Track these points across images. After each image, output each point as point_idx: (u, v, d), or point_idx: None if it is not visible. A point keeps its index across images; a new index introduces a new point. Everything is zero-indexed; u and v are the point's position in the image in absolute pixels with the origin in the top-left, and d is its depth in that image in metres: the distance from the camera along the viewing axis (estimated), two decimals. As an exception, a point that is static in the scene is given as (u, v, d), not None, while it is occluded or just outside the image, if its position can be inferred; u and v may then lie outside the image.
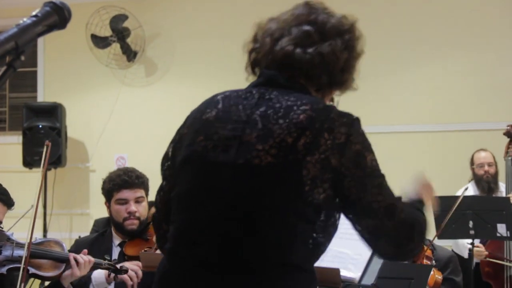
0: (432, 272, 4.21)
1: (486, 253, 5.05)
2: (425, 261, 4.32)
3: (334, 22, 1.85)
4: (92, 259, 3.40)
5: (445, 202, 4.76)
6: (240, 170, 1.72)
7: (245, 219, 1.71)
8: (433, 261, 4.35)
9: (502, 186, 5.44)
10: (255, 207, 1.70)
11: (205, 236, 1.74)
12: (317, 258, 1.79)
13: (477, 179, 5.48)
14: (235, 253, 1.70)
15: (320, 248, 1.77)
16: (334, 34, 1.84)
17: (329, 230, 1.78)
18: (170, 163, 1.89)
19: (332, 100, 1.97)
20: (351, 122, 1.75)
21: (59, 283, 3.47)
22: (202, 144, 1.78)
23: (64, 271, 3.44)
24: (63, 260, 3.45)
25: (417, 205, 1.97)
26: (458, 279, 4.40)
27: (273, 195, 1.69)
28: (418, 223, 1.84)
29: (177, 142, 1.88)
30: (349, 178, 1.71)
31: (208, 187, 1.76)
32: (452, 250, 5.07)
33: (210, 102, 1.86)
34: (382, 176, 1.79)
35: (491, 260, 5.03)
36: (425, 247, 4.37)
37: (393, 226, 1.76)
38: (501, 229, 4.68)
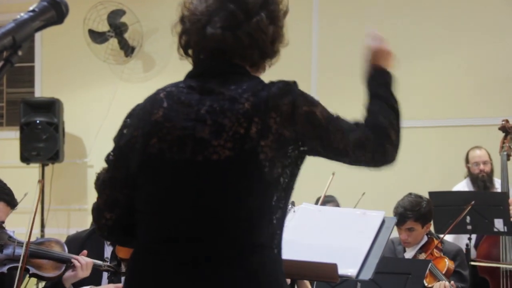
0: (446, 261, 4.27)
1: None
2: (435, 251, 4.34)
3: None
4: (92, 261, 3.40)
5: (442, 198, 4.78)
6: (200, 167, 1.77)
7: (213, 213, 1.76)
8: (442, 253, 4.38)
9: (497, 182, 5.44)
10: (221, 200, 1.76)
11: (177, 233, 1.78)
12: (281, 232, 1.85)
13: (473, 178, 5.48)
14: (209, 245, 1.75)
15: (281, 222, 1.84)
16: (258, 7, 1.86)
17: (287, 202, 1.86)
18: (120, 160, 1.88)
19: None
20: (290, 89, 1.81)
21: (59, 283, 3.46)
22: (157, 146, 1.81)
23: (64, 271, 3.44)
24: (64, 261, 3.45)
25: (381, 81, 2.14)
26: (465, 273, 4.43)
27: (236, 185, 1.75)
28: (390, 127, 1.99)
29: (125, 142, 1.87)
30: (310, 139, 1.81)
31: (171, 187, 1.80)
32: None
33: (154, 101, 1.87)
34: (336, 119, 1.87)
35: (486, 265, 5.04)
36: (435, 240, 4.39)
37: (368, 155, 1.89)
38: (498, 224, 4.69)
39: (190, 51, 1.91)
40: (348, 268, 2.36)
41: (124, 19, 6.91)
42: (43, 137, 6.62)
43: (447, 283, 4.12)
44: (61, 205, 6.93)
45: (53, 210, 6.84)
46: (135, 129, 1.86)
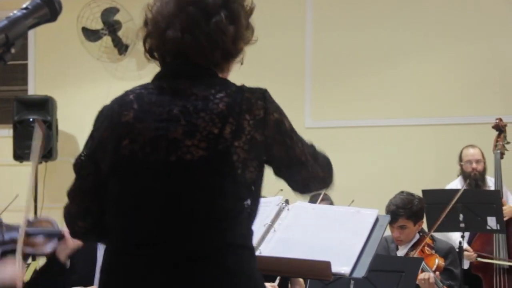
0: (436, 259, 4.30)
1: (475, 254, 5.09)
2: (426, 249, 4.36)
3: None
4: None
5: (436, 196, 4.79)
6: (174, 168, 1.77)
7: (186, 213, 1.76)
8: (433, 251, 4.39)
9: (490, 181, 5.45)
10: (195, 200, 1.76)
11: (150, 235, 1.78)
12: (251, 229, 1.87)
13: (465, 176, 5.50)
14: (183, 246, 1.76)
15: (252, 220, 1.87)
16: (218, 7, 1.86)
17: (258, 201, 1.89)
18: (91, 166, 1.88)
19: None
20: (264, 96, 1.84)
21: (55, 259, 3.46)
22: (129, 147, 1.80)
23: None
24: (56, 235, 3.45)
25: None
26: (456, 271, 4.45)
27: (209, 185, 1.76)
28: (326, 157, 2.03)
29: (96, 145, 1.87)
30: (277, 145, 1.84)
31: (145, 188, 1.79)
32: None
33: (124, 102, 1.86)
34: (296, 131, 1.91)
35: (482, 260, 5.06)
36: (426, 237, 4.42)
37: (320, 169, 1.95)
38: (491, 222, 4.70)
39: (155, 54, 1.92)
40: (341, 266, 2.36)
41: (117, 17, 6.89)
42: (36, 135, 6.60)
43: (432, 274, 4.14)
44: (54, 203, 6.91)
45: (47, 208, 6.83)
46: (104, 130, 1.85)
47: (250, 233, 1.86)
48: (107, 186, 1.84)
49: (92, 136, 1.90)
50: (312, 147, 1.95)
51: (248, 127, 1.78)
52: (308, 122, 6.51)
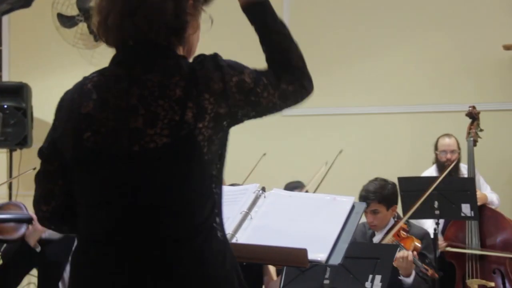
0: (413, 240, 4.35)
1: (445, 244, 5.15)
2: (402, 233, 4.40)
3: None
4: None
5: (411, 183, 4.83)
6: (137, 157, 1.76)
7: (154, 200, 1.76)
8: (407, 234, 4.44)
9: (464, 168, 5.51)
10: (161, 186, 1.76)
11: (120, 225, 1.78)
12: (221, 213, 1.86)
13: (439, 165, 5.55)
14: (152, 234, 1.75)
15: (221, 201, 1.86)
16: None
17: (222, 179, 1.88)
18: (53, 153, 1.88)
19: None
20: (217, 64, 1.81)
21: (24, 244, 3.44)
22: (91, 139, 1.79)
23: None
24: (25, 220, 3.42)
25: (261, 8, 2.02)
26: (430, 256, 4.51)
27: (175, 170, 1.76)
28: (296, 63, 2.00)
29: (59, 136, 1.87)
30: (244, 107, 1.82)
31: (109, 178, 1.79)
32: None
33: (82, 92, 1.86)
34: (257, 73, 1.86)
35: (452, 250, 5.12)
36: (400, 221, 4.46)
37: (291, 99, 1.92)
38: (466, 209, 4.75)
39: (109, 42, 1.92)
40: (318, 253, 2.38)
41: (93, 3, 6.82)
42: (11, 122, 6.55)
43: (410, 252, 4.19)
44: (29, 191, 6.84)
45: (21, 195, 6.77)
46: (66, 122, 1.85)
47: (218, 214, 1.85)
48: (72, 176, 1.85)
49: (54, 127, 1.90)
50: (276, 80, 1.88)
51: (209, 105, 1.76)
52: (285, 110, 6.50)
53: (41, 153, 1.92)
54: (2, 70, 7.26)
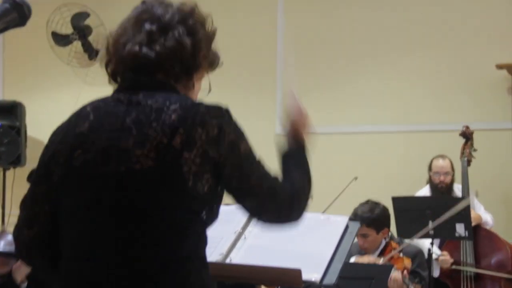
0: (403, 260, 4.35)
1: (452, 260, 5.13)
2: (393, 252, 4.38)
3: (172, 12, 1.89)
4: None
5: (405, 202, 4.83)
6: (123, 178, 1.75)
7: (134, 225, 1.74)
8: (401, 254, 4.43)
9: (457, 188, 5.50)
10: (143, 211, 1.74)
11: (99, 248, 1.76)
12: (204, 244, 1.84)
13: (432, 186, 5.55)
14: (130, 259, 1.73)
15: (204, 234, 1.84)
16: (175, 23, 1.87)
17: (213, 217, 1.85)
18: (42, 176, 1.87)
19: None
20: (222, 114, 1.81)
21: (10, 279, 3.40)
22: (81, 158, 1.79)
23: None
24: (14, 255, 3.38)
25: (298, 155, 2.03)
26: (424, 274, 4.51)
27: (159, 196, 1.74)
28: (302, 191, 1.92)
29: (50, 156, 1.86)
30: (228, 167, 1.78)
31: (94, 199, 1.78)
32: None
33: (80, 115, 1.87)
34: (258, 161, 1.86)
35: (455, 268, 5.10)
36: (393, 243, 4.45)
37: (275, 207, 1.85)
38: (460, 229, 4.75)
39: (118, 78, 1.92)
40: (312, 273, 2.37)
41: (88, 21, 6.85)
42: (4, 140, 6.53)
43: (399, 273, 4.18)
44: (22, 210, 6.83)
45: (14, 215, 6.74)
46: (59, 143, 1.85)
47: (202, 244, 1.83)
48: (59, 199, 1.83)
49: (47, 148, 1.90)
50: (273, 180, 1.87)
51: (199, 140, 1.74)
52: (278, 129, 6.52)
53: (31, 176, 1.92)
54: (-4, 88, 7.25)
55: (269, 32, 6.63)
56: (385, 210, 4.59)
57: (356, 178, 4.81)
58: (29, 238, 1.88)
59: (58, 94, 7.03)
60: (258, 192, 1.82)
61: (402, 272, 4.26)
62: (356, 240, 3.86)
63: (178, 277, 1.75)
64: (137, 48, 1.85)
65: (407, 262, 4.39)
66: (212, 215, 1.83)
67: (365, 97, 6.41)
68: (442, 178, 5.49)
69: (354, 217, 4.46)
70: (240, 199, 1.84)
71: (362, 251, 4.57)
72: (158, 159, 1.73)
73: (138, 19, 1.90)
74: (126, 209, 1.75)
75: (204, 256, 1.84)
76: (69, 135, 1.84)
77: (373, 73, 6.43)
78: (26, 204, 1.91)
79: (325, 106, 6.44)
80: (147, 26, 1.87)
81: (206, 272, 1.83)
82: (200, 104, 1.82)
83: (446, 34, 6.26)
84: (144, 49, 1.84)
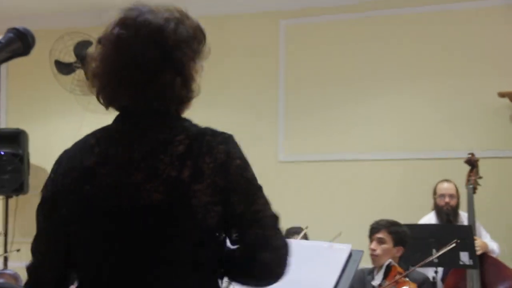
0: (409, 286, 4.27)
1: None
2: (397, 276, 4.32)
3: (156, 47, 1.81)
4: None
5: (412, 230, 4.79)
6: (134, 213, 1.74)
7: (146, 259, 1.73)
8: (406, 278, 4.37)
9: (463, 216, 5.47)
10: (154, 246, 1.73)
11: (110, 283, 1.76)
12: (216, 277, 1.81)
13: (438, 210, 5.52)
14: None
15: (215, 267, 1.80)
16: (158, 61, 1.80)
17: (223, 248, 1.81)
18: (53, 211, 1.85)
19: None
20: (227, 140, 1.79)
21: None
22: (91, 193, 1.78)
23: None
24: None
25: None
26: None
27: (167, 230, 1.72)
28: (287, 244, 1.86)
29: (57, 190, 1.84)
30: (235, 193, 1.75)
31: (103, 233, 1.77)
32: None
33: (84, 148, 1.85)
34: (261, 188, 1.82)
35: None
36: (397, 267, 4.39)
37: (277, 239, 1.79)
38: (464, 257, 4.72)
39: (111, 107, 1.89)
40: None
41: (91, 50, 6.87)
42: (8, 168, 6.54)
43: None
44: (25, 238, 6.81)
45: (17, 242, 6.73)
46: (64, 176, 1.83)
47: (212, 278, 1.80)
48: (70, 232, 1.82)
49: (52, 180, 1.87)
50: (277, 217, 1.83)
51: (208, 170, 1.72)
52: (281, 156, 6.52)
53: (38, 211, 1.89)
54: (0, 116, 7.27)
55: (271, 61, 6.66)
56: (408, 231, 4.55)
57: (340, 234, 4.67)
58: (46, 277, 1.88)
59: (61, 121, 7.05)
60: (261, 218, 1.78)
61: None
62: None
63: None
64: (130, 91, 1.81)
65: (413, 287, 4.34)
66: (222, 246, 1.80)
67: (369, 125, 6.41)
68: (447, 199, 5.47)
69: (377, 224, 4.43)
70: (241, 229, 1.78)
71: (366, 278, 4.52)
72: (166, 193, 1.71)
73: (116, 56, 1.83)
74: (135, 242, 1.74)
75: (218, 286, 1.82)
76: (75, 169, 1.82)
77: (376, 101, 6.44)
78: (38, 241, 1.89)
79: (329, 133, 6.46)
80: (128, 70, 1.80)
81: None
82: (205, 130, 1.79)
83: (448, 61, 6.28)
84: (138, 94, 1.81)
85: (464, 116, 6.18)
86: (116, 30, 1.86)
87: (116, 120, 1.88)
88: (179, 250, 1.73)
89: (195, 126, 1.84)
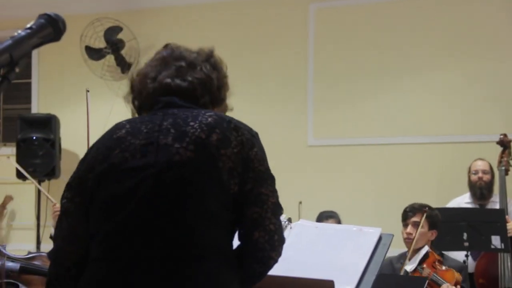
0: (454, 273, 4.23)
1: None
2: (437, 264, 4.28)
3: (196, 53, 2.06)
4: None
5: (443, 214, 4.76)
6: (163, 168, 1.82)
7: (173, 213, 1.80)
8: (443, 266, 4.33)
9: (496, 197, 5.43)
10: (181, 199, 1.81)
11: (139, 236, 1.80)
12: (232, 240, 1.90)
13: (471, 185, 5.48)
14: (166, 246, 1.78)
15: (234, 233, 1.91)
16: (200, 61, 2.04)
17: (239, 218, 1.89)
18: (78, 191, 1.92)
19: None
20: (252, 131, 1.95)
21: None
22: (119, 155, 1.87)
23: None
24: None
25: None
26: None
27: (196, 186, 1.81)
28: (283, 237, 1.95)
29: (85, 166, 1.93)
30: (251, 171, 1.87)
31: (131, 189, 1.83)
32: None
33: (117, 126, 1.97)
34: (274, 179, 1.94)
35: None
36: (435, 254, 4.35)
37: (274, 224, 1.89)
38: (495, 241, 4.68)
39: (144, 112, 2.04)
40: (345, 285, 2.36)
41: (120, 35, 6.92)
42: (39, 153, 6.62)
43: (450, 286, 4.09)
44: (57, 222, 6.90)
45: (49, 226, 6.83)
46: (95, 151, 1.93)
47: (231, 241, 1.89)
48: (93, 199, 1.88)
49: (82, 160, 1.97)
50: (280, 207, 1.93)
51: (234, 141, 1.86)
52: (310, 140, 6.51)
53: (65, 189, 1.96)
54: (31, 102, 7.35)
55: (300, 46, 6.64)
56: (439, 216, 4.53)
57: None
58: (70, 255, 1.92)
59: (92, 107, 7.10)
60: (265, 200, 1.88)
61: (456, 286, 4.17)
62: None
63: (212, 265, 1.80)
64: (169, 80, 1.98)
65: (458, 276, 4.27)
66: (238, 216, 1.88)
67: (399, 109, 6.38)
68: (480, 175, 5.43)
69: (412, 205, 4.43)
70: (246, 204, 1.87)
71: (395, 268, 4.48)
72: (197, 151, 1.82)
73: (165, 59, 2.04)
74: (163, 198, 1.80)
75: (232, 256, 1.89)
76: (105, 142, 1.92)
77: (407, 85, 6.40)
78: (61, 226, 1.94)
79: (358, 118, 6.43)
80: (176, 63, 2.02)
81: (235, 271, 1.88)
82: (232, 118, 1.94)
83: (480, 44, 6.21)
84: (176, 80, 1.98)
85: (496, 98, 6.11)
86: (161, 52, 2.10)
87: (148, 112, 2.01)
88: (205, 204, 1.81)
89: (222, 113, 1.98)
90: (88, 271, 1.86)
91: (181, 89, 1.97)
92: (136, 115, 2.05)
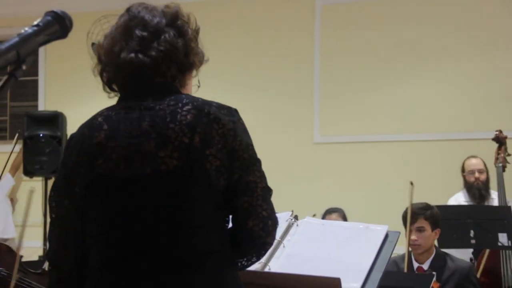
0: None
1: None
2: None
3: (159, 16, 1.93)
4: None
5: (443, 211, 4.75)
6: (150, 180, 1.79)
7: (166, 223, 1.79)
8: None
9: (494, 194, 5.41)
10: (173, 209, 1.79)
11: (134, 249, 1.80)
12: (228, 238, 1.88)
13: (468, 186, 5.46)
14: (163, 256, 1.78)
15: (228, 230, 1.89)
16: (164, 26, 1.92)
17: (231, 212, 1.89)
18: (65, 194, 1.89)
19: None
20: (232, 112, 1.88)
21: None
22: (103, 166, 1.83)
23: None
24: None
25: None
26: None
27: (187, 194, 1.79)
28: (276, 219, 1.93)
29: (70, 170, 1.88)
30: (237, 160, 1.84)
31: (122, 203, 1.81)
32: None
33: (93, 125, 1.90)
34: (260, 162, 1.90)
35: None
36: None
37: (266, 210, 1.87)
38: (502, 238, 4.66)
39: (114, 86, 1.99)
40: (351, 283, 2.35)
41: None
42: (46, 150, 6.63)
43: None
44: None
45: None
46: (77, 156, 1.87)
47: (227, 240, 1.88)
48: (85, 209, 1.86)
49: (64, 163, 1.92)
50: (269, 190, 1.91)
51: (217, 136, 1.81)
52: (316, 138, 6.51)
53: (50, 198, 1.93)
54: (38, 99, 7.37)
55: (306, 42, 6.64)
56: (439, 211, 4.52)
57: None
58: (66, 258, 1.92)
59: (98, 104, 7.06)
60: (254, 187, 1.86)
61: None
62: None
63: (212, 270, 1.80)
64: (132, 55, 1.89)
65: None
66: (231, 212, 1.88)
67: (402, 106, 6.38)
68: (477, 175, 5.42)
69: (412, 214, 4.40)
70: (236, 194, 1.85)
71: (401, 267, 4.47)
72: (182, 158, 1.78)
73: (127, 26, 1.93)
74: (155, 208, 1.79)
75: (230, 253, 1.88)
76: (86, 147, 1.87)
77: (410, 83, 6.41)
78: (54, 228, 1.93)
79: (364, 115, 6.44)
80: (138, 32, 1.91)
81: (235, 270, 1.89)
82: (211, 103, 1.87)
83: (478, 41, 6.21)
84: (140, 56, 1.88)
85: (495, 96, 6.11)
86: (123, 17, 1.99)
87: (120, 99, 1.97)
88: (198, 211, 1.80)
89: (200, 98, 1.90)
90: (90, 280, 1.86)
91: (145, 66, 1.88)
92: (107, 88, 2.01)
